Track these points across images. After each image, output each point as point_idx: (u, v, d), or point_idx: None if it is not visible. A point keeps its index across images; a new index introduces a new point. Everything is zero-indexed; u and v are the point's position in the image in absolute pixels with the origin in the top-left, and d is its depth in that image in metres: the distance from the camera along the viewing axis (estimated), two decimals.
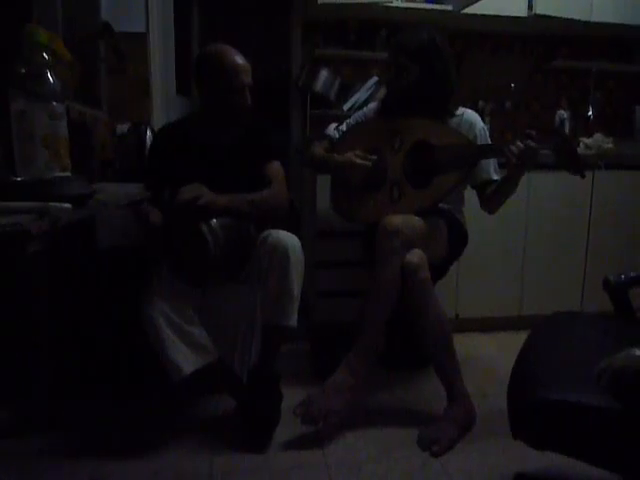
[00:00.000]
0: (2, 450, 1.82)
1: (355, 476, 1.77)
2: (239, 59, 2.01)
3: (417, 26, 2.27)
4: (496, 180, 2.22)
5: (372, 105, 2.48)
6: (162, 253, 2.01)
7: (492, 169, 2.23)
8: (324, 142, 2.46)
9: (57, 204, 1.33)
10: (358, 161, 2.19)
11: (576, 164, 1.97)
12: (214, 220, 1.90)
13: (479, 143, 2.21)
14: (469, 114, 2.28)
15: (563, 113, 3.58)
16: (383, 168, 2.21)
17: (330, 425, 1.96)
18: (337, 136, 2.42)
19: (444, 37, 2.22)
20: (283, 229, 2.04)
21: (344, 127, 2.44)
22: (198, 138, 2.09)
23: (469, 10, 3.19)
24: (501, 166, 2.20)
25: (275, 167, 2.13)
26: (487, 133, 2.28)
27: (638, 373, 1.11)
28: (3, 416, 1.88)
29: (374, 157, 2.20)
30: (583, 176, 1.99)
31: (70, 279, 2.12)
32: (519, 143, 1.97)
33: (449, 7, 3.22)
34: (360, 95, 3.46)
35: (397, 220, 2.03)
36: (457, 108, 2.28)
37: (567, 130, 3.57)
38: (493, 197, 2.21)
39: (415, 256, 2.01)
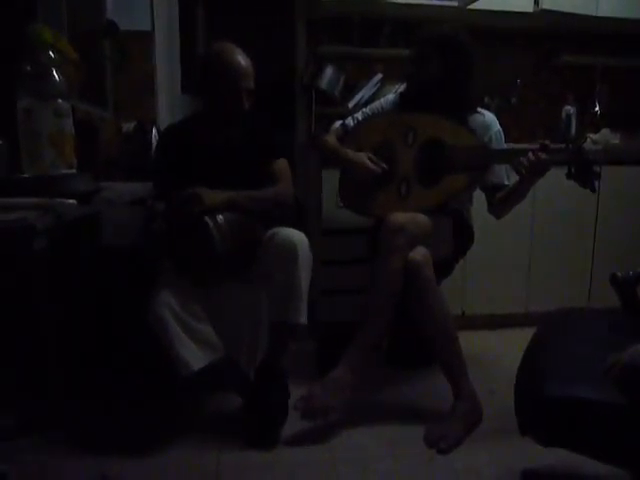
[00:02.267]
0: (12, 449, 1.82)
1: (362, 473, 1.77)
2: (241, 61, 1.98)
3: (441, 22, 2.27)
4: (507, 185, 2.20)
5: (390, 97, 2.45)
6: (168, 250, 2.02)
7: (504, 174, 2.22)
8: (338, 129, 2.44)
9: (62, 200, 1.34)
10: (368, 164, 2.19)
11: (589, 179, 1.96)
12: (220, 216, 1.90)
13: (493, 146, 2.20)
14: (487, 115, 2.27)
15: (569, 109, 3.55)
16: (393, 163, 2.20)
17: (330, 420, 1.97)
18: (352, 124, 2.41)
19: (468, 35, 2.21)
20: (290, 226, 2.04)
21: (360, 116, 2.42)
22: (203, 137, 2.09)
23: (474, 6, 3.17)
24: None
25: (281, 165, 2.13)
26: (502, 137, 2.26)
27: None
28: (10, 419, 1.89)
29: (385, 165, 2.19)
30: (593, 190, 1.98)
31: (75, 275, 2.12)
32: (531, 155, 1.96)
33: (454, 3, 3.20)
34: (365, 92, 3.45)
35: (402, 217, 2.02)
36: (477, 107, 2.28)
37: (574, 126, 3.55)
38: (502, 203, 2.20)
39: (419, 254, 2.01)
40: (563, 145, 2.02)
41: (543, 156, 1.95)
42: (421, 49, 2.19)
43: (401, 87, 2.41)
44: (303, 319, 1.97)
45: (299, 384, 2.11)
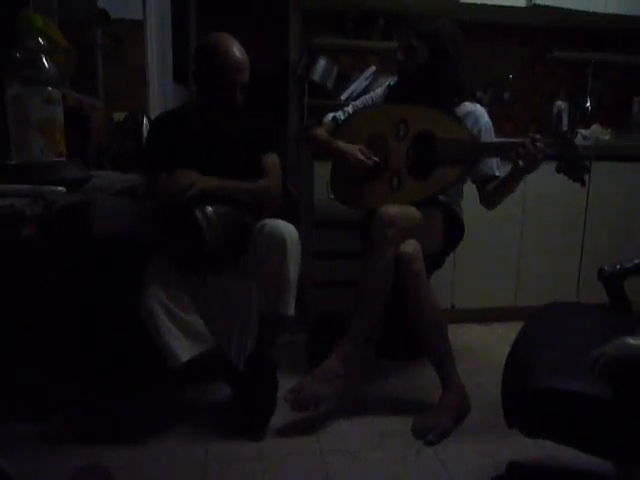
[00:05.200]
0: (3, 437, 1.82)
1: (350, 463, 1.78)
2: (237, 54, 1.95)
3: (432, 16, 2.27)
4: (498, 176, 2.20)
5: (380, 90, 2.46)
6: (158, 240, 2.01)
7: (495, 165, 2.21)
8: (329, 123, 2.43)
9: (51, 188, 1.33)
10: (361, 157, 2.18)
11: (578, 172, 1.97)
12: (209, 208, 1.90)
13: (483, 138, 2.20)
14: (477, 108, 2.26)
15: (561, 104, 3.57)
16: (385, 156, 2.21)
17: (320, 412, 1.98)
18: (342, 118, 2.41)
19: (457, 28, 2.21)
20: (280, 218, 2.03)
21: (350, 109, 2.42)
22: (195, 127, 2.08)
23: (468, 0, 3.19)
24: (504, 159, 2.19)
25: (271, 159, 2.11)
26: (492, 129, 2.25)
27: (631, 361, 1.11)
28: (2, 407, 1.88)
29: (376, 159, 2.19)
30: (583, 184, 1.99)
31: (66, 264, 2.11)
32: (524, 145, 1.96)
33: None
34: (358, 84, 3.45)
35: (393, 210, 2.02)
36: (467, 99, 2.28)
37: (565, 122, 3.56)
38: (493, 194, 2.20)
39: (410, 246, 2.01)
40: (553, 139, 2.02)
41: (536, 147, 1.95)
42: (410, 41, 2.18)
43: (393, 80, 2.41)
44: (290, 311, 1.98)
45: (289, 375, 2.12)
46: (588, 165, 1.97)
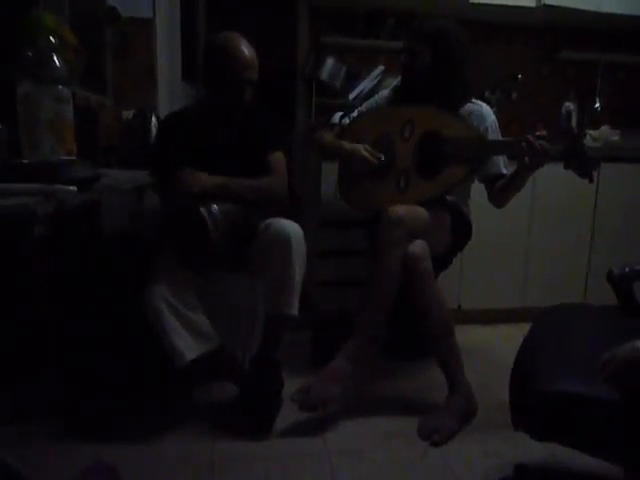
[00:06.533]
0: (5, 433, 1.82)
1: (355, 464, 1.78)
2: (246, 52, 1.97)
3: (443, 15, 2.27)
4: (505, 174, 2.20)
5: (385, 92, 2.45)
6: (164, 238, 2.02)
7: (502, 163, 2.21)
8: (335, 128, 2.43)
9: (62, 186, 1.33)
10: (365, 155, 2.18)
11: (585, 168, 1.96)
12: (215, 206, 1.90)
13: (490, 137, 2.19)
14: (483, 106, 2.26)
15: (570, 105, 3.55)
16: (391, 156, 2.20)
17: (328, 412, 1.97)
18: (348, 122, 2.41)
19: (461, 28, 2.20)
20: (285, 217, 2.04)
21: (355, 113, 2.42)
22: (202, 126, 2.08)
23: (477, 0, 3.18)
24: (511, 158, 2.19)
25: (277, 157, 2.13)
26: (498, 127, 2.25)
27: None
28: (6, 400, 1.89)
29: (382, 156, 2.18)
30: (591, 180, 1.98)
31: (75, 262, 2.12)
32: (531, 141, 1.96)
33: None
34: (366, 84, 3.45)
35: (401, 210, 2.02)
36: (471, 98, 2.27)
37: (574, 122, 3.55)
38: (502, 192, 2.19)
39: (417, 247, 2.01)
40: (560, 136, 2.02)
41: (543, 144, 1.95)
42: (413, 42, 2.18)
43: (399, 81, 2.41)
44: (294, 311, 1.97)
45: (293, 375, 2.12)
46: (596, 162, 1.96)
